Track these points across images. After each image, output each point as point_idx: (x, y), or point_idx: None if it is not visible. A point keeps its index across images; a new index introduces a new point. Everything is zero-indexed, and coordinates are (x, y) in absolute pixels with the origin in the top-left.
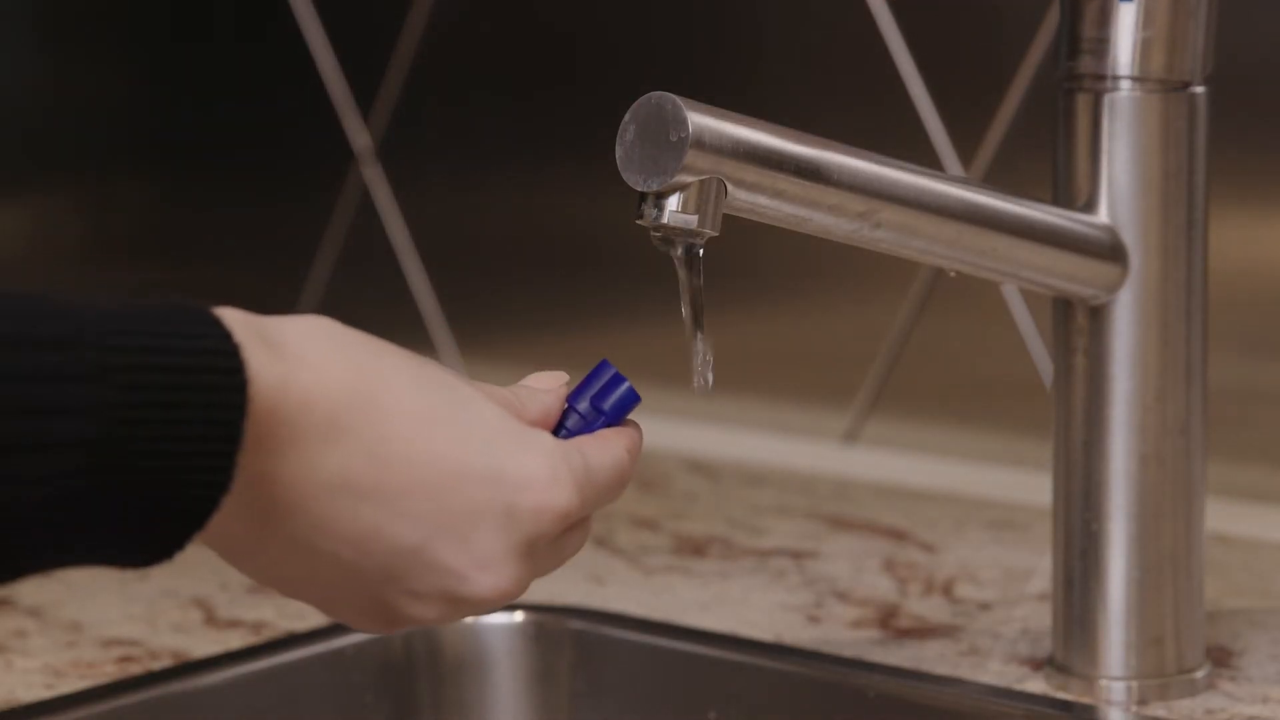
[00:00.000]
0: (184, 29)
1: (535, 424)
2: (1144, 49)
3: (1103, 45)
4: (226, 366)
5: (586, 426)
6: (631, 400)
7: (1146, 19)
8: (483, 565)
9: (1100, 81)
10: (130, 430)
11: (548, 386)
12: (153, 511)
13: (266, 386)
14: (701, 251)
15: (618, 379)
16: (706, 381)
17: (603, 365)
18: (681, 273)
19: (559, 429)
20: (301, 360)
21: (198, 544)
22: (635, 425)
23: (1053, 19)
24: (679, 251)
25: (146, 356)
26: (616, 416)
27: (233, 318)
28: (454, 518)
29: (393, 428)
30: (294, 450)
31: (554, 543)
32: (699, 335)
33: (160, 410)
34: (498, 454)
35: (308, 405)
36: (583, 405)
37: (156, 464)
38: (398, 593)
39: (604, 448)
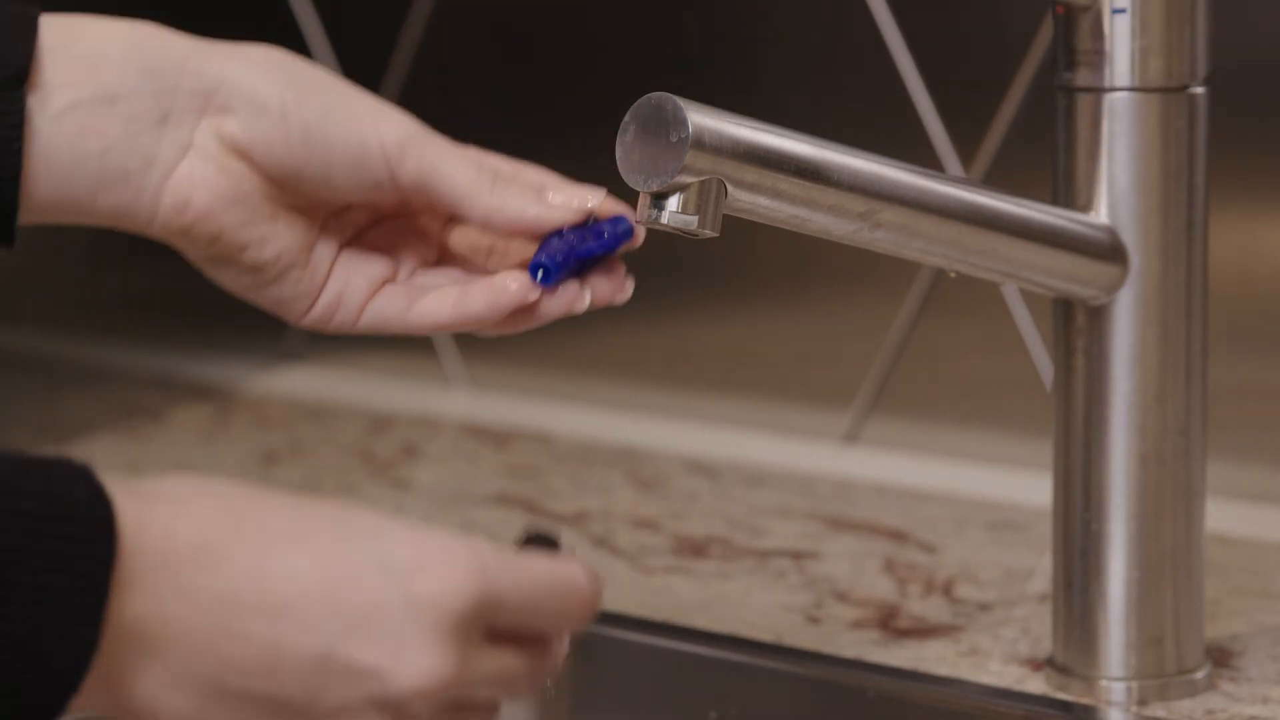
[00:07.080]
0: (184, 29)
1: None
2: (1141, 58)
3: (1099, 58)
4: (89, 512)
5: (578, 236)
6: (626, 229)
7: (1141, 28)
8: (397, 655)
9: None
10: None
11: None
12: (17, 674)
13: (127, 525)
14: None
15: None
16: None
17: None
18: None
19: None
20: (167, 497)
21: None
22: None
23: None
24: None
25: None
26: (612, 243)
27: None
28: (353, 616)
29: (269, 544)
30: (165, 582)
31: (486, 628)
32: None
33: (16, 555)
34: (386, 545)
35: (170, 534)
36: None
37: (16, 616)
38: (326, 716)
39: (524, 561)
